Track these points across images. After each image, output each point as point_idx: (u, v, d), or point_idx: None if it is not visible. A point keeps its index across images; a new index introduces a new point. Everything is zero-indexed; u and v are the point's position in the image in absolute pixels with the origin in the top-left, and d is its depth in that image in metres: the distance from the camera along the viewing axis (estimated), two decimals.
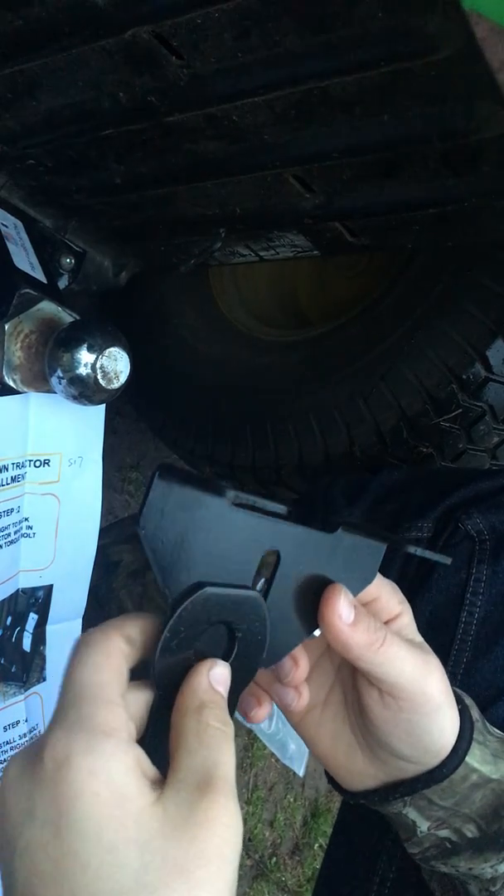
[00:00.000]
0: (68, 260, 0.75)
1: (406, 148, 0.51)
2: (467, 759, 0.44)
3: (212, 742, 0.34)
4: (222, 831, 0.31)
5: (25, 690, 0.69)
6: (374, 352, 0.89)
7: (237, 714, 0.41)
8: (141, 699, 0.37)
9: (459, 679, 0.63)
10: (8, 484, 0.62)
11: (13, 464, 0.62)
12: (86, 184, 0.66)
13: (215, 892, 0.30)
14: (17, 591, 0.67)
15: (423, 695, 0.42)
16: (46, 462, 0.65)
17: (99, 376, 0.57)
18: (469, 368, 0.82)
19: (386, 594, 0.44)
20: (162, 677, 0.37)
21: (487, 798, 0.46)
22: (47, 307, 0.60)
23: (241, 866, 1.27)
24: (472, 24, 0.37)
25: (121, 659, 0.36)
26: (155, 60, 0.46)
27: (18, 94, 0.53)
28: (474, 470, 0.88)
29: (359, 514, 0.75)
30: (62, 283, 0.75)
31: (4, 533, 0.63)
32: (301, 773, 1.60)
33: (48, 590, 0.69)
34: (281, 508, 0.39)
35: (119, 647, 0.36)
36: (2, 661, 0.68)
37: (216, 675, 0.37)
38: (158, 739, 0.36)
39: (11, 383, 0.59)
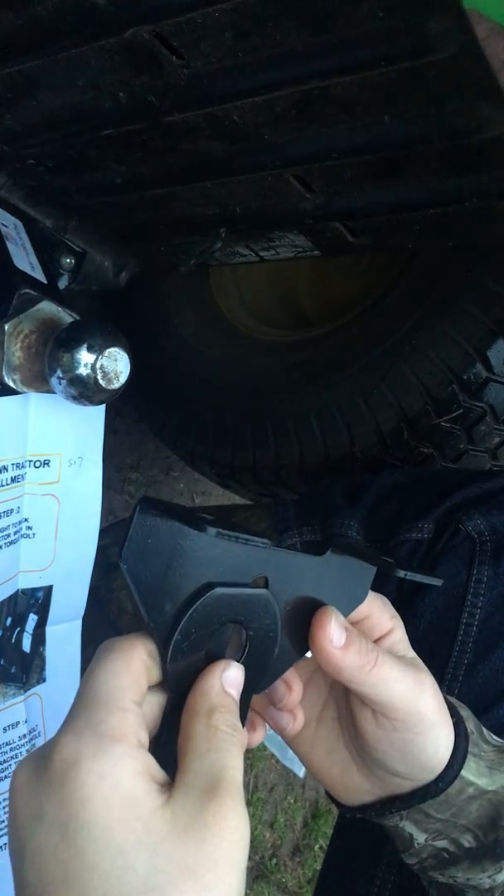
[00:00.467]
0: (68, 260, 0.75)
1: (407, 148, 0.50)
2: (463, 772, 0.44)
3: (221, 745, 0.34)
4: (230, 834, 0.31)
5: (25, 691, 0.69)
6: (374, 352, 0.89)
7: None
8: (157, 708, 0.37)
9: (460, 681, 0.63)
10: (8, 484, 0.62)
11: (13, 464, 0.62)
12: (86, 184, 0.65)
13: (224, 893, 0.30)
14: (17, 591, 0.67)
15: (417, 714, 0.42)
16: (46, 462, 0.65)
17: (99, 376, 0.57)
18: (470, 369, 0.82)
19: (377, 610, 0.44)
20: (174, 679, 0.37)
21: (484, 808, 0.46)
22: (47, 307, 0.60)
23: None
24: (473, 24, 0.37)
25: (140, 669, 0.36)
26: (155, 60, 0.46)
27: (18, 94, 0.53)
28: (475, 471, 0.88)
29: (356, 525, 0.75)
30: (62, 283, 0.75)
31: (4, 533, 0.63)
32: (301, 774, 1.60)
33: (48, 591, 0.69)
34: (264, 542, 0.39)
35: (141, 658, 0.36)
36: (1, 662, 0.68)
37: (229, 678, 0.37)
38: (171, 741, 0.36)
39: (11, 383, 0.59)
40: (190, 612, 0.36)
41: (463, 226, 0.60)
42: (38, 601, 0.69)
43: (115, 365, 0.57)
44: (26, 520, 0.65)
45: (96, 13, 0.43)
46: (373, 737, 0.43)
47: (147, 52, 0.45)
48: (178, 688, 0.37)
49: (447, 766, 0.44)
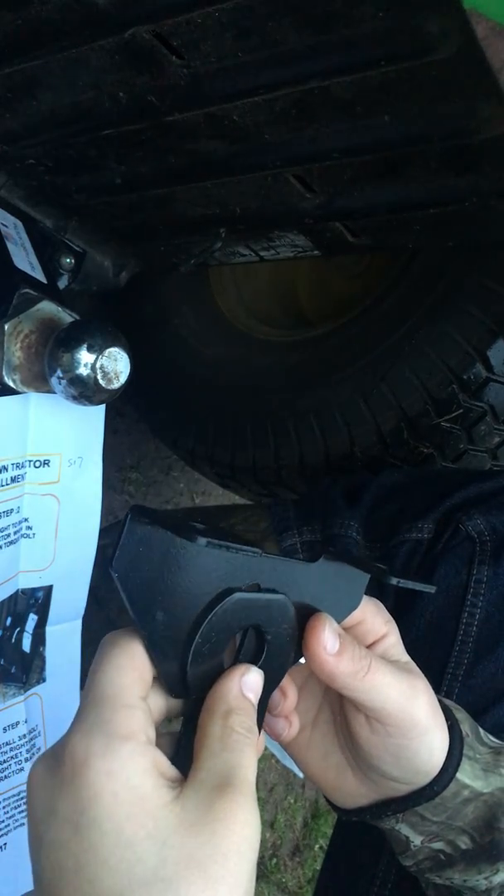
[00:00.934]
0: (68, 260, 0.75)
1: (407, 148, 0.50)
2: (458, 775, 0.44)
3: (235, 746, 0.35)
4: (241, 828, 0.32)
5: (25, 691, 0.69)
6: (374, 352, 0.89)
7: None
8: (162, 701, 0.38)
9: (460, 681, 0.63)
10: (8, 484, 0.62)
11: (13, 464, 0.62)
12: (86, 184, 0.65)
13: (232, 887, 0.31)
14: (17, 591, 0.67)
15: (410, 720, 0.42)
16: (46, 462, 0.65)
17: (99, 376, 0.57)
18: (470, 369, 0.82)
19: (371, 615, 0.44)
20: (195, 683, 0.37)
21: (479, 810, 0.46)
22: (47, 307, 0.60)
23: None
24: (473, 24, 0.37)
25: (144, 662, 0.36)
26: (155, 60, 0.46)
27: (18, 94, 0.53)
28: (475, 471, 0.88)
29: (356, 525, 0.75)
30: (62, 283, 0.75)
31: (4, 533, 0.63)
32: (301, 774, 1.60)
33: (48, 590, 0.69)
34: (255, 551, 0.39)
35: (143, 651, 0.36)
36: (1, 662, 0.68)
37: (248, 682, 0.37)
38: (190, 743, 0.36)
39: (11, 383, 0.59)
40: (210, 616, 0.36)
41: (463, 226, 0.60)
42: (38, 601, 0.69)
43: (115, 365, 0.57)
44: (26, 520, 0.65)
45: (96, 13, 0.43)
46: (367, 742, 0.43)
47: (147, 52, 0.45)
48: (198, 691, 0.37)
49: (442, 769, 0.44)
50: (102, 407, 0.65)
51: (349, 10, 0.39)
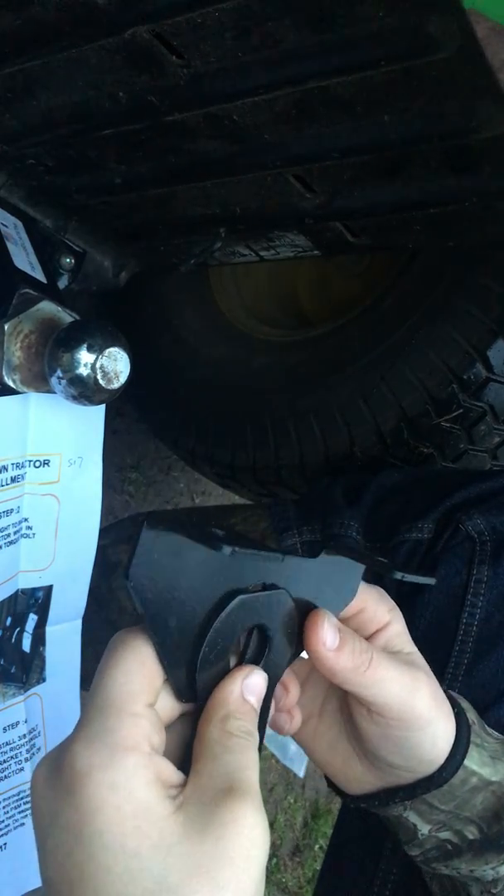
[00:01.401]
0: (68, 260, 0.75)
1: (407, 148, 0.50)
2: (466, 762, 0.44)
3: (235, 748, 0.34)
4: (248, 831, 0.31)
5: (25, 691, 0.69)
6: (374, 352, 0.89)
7: None
8: (170, 705, 0.37)
9: (460, 680, 0.63)
10: (8, 484, 0.62)
11: (13, 464, 0.62)
12: (86, 184, 0.65)
13: (239, 891, 0.30)
14: (17, 591, 0.67)
15: (412, 713, 0.42)
16: (46, 462, 0.65)
17: (99, 376, 0.57)
18: (470, 369, 0.82)
19: (373, 603, 0.44)
20: (204, 687, 0.37)
21: (488, 801, 0.46)
22: (47, 307, 0.60)
23: None
24: (473, 24, 0.37)
25: (154, 667, 0.36)
26: (155, 60, 0.46)
27: (18, 94, 0.53)
28: (475, 471, 0.88)
29: (356, 525, 0.75)
30: (62, 283, 0.75)
31: (4, 533, 0.63)
32: (301, 774, 1.60)
33: (48, 590, 0.69)
34: (279, 555, 0.39)
35: (153, 654, 0.36)
36: (1, 662, 0.68)
37: (250, 685, 0.37)
38: None
39: (11, 383, 0.59)
40: (216, 622, 0.36)
41: (463, 226, 0.60)
42: (38, 601, 0.69)
43: (115, 365, 0.57)
44: (26, 520, 0.65)
45: (96, 13, 0.43)
46: (370, 733, 0.43)
47: (147, 52, 0.45)
48: (207, 694, 0.37)
49: (449, 755, 0.44)
50: (102, 407, 0.65)
51: (349, 10, 0.39)
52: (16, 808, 0.70)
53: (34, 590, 0.68)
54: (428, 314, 0.85)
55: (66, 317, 0.61)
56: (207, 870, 0.30)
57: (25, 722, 0.69)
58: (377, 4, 0.38)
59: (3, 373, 0.58)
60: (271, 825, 1.56)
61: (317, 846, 1.63)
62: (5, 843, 0.69)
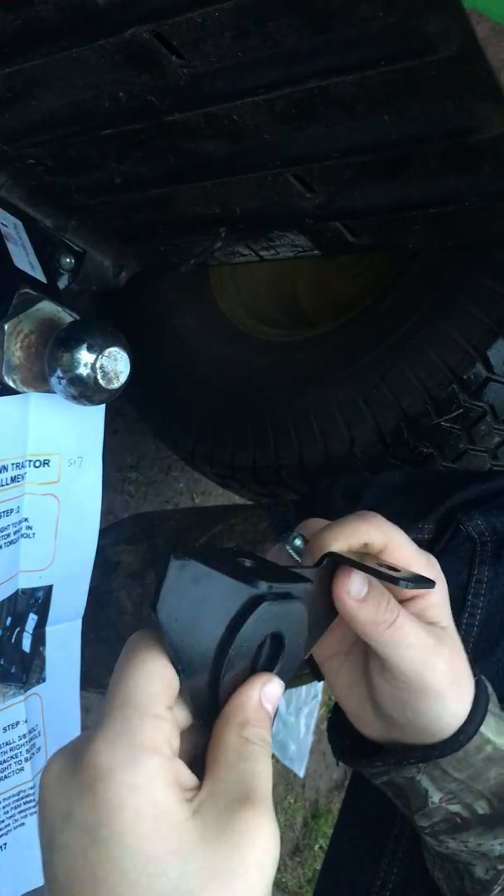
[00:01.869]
0: (68, 260, 0.75)
1: (407, 148, 0.50)
2: (482, 728, 0.45)
3: (251, 756, 0.34)
4: (263, 842, 0.32)
5: (25, 691, 0.69)
6: (374, 352, 0.89)
7: None
8: (185, 711, 0.37)
9: None
10: (8, 484, 0.62)
11: (13, 464, 0.62)
12: (86, 184, 0.65)
13: None
14: (17, 591, 0.67)
15: (421, 682, 0.42)
16: (46, 462, 0.65)
17: (99, 376, 0.57)
18: (470, 368, 0.82)
19: (419, 570, 0.44)
20: (225, 695, 0.37)
21: (502, 776, 0.46)
22: (47, 307, 0.60)
23: None
24: (473, 24, 0.37)
25: (172, 669, 0.35)
26: (155, 60, 0.46)
27: (18, 94, 0.53)
28: (475, 471, 0.88)
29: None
30: (62, 283, 0.75)
31: (4, 533, 0.63)
32: (301, 773, 1.60)
33: (48, 590, 0.69)
34: (308, 582, 0.40)
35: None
36: (1, 662, 0.68)
37: (268, 693, 0.37)
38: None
39: (11, 383, 0.59)
40: (243, 628, 0.36)
41: (463, 226, 0.60)
42: (38, 601, 0.69)
43: (115, 365, 0.57)
44: (26, 519, 0.65)
45: (96, 13, 0.43)
46: (379, 687, 0.45)
47: (147, 52, 0.45)
48: (227, 701, 0.37)
49: (466, 721, 0.44)
50: (102, 407, 0.65)
51: (349, 10, 0.39)
52: (16, 808, 0.70)
53: (34, 590, 0.68)
54: (428, 314, 0.85)
55: (66, 317, 0.61)
56: (224, 878, 0.30)
57: (25, 722, 0.69)
58: (377, 4, 0.38)
59: (3, 373, 0.58)
60: None
61: (317, 846, 1.63)
62: (5, 843, 0.69)
